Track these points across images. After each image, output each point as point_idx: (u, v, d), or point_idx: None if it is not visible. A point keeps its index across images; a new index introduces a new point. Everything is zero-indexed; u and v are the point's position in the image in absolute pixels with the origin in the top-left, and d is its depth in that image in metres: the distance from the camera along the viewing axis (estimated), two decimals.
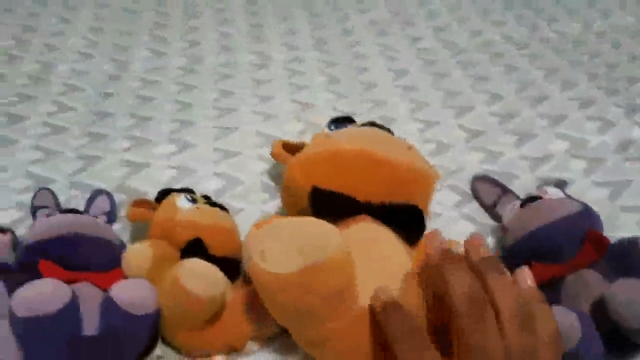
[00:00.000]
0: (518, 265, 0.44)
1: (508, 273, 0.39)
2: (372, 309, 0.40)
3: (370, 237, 0.46)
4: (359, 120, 0.60)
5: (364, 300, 0.40)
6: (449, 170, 0.67)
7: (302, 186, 0.49)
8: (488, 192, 0.62)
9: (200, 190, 0.58)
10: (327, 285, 0.38)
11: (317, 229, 0.40)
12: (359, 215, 0.48)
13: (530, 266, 0.48)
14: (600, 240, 0.48)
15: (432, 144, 0.72)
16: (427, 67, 0.91)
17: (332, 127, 0.56)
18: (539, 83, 0.86)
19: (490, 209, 0.61)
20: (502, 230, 0.56)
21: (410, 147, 0.52)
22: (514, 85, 0.85)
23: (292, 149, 0.58)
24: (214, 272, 0.42)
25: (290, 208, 0.53)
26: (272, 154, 0.60)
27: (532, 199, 0.54)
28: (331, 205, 0.46)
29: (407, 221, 0.48)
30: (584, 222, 0.50)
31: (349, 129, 0.55)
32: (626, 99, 0.81)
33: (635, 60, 0.93)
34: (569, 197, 0.54)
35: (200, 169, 0.66)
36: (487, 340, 0.34)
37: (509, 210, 0.56)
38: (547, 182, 0.60)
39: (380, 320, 0.38)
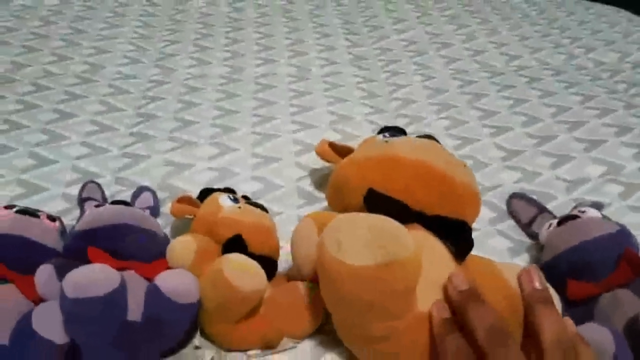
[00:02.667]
0: (554, 283, 0.45)
1: (556, 306, 0.41)
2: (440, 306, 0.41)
3: (425, 245, 0.46)
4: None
5: (420, 304, 0.41)
6: (485, 187, 0.67)
7: (355, 186, 0.49)
8: (525, 210, 0.63)
9: (239, 192, 0.60)
10: (399, 282, 0.39)
11: (394, 227, 0.40)
12: (411, 223, 0.47)
13: (566, 284, 0.49)
14: (636, 260, 0.48)
15: (469, 161, 0.72)
16: (464, 87, 0.92)
17: (386, 135, 0.56)
18: (575, 109, 0.86)
19: (527, 227, 0.61)
20: (539, 248, 0.56)
21: (465, 165, 0.53)
22: (551, 110, 0.86)
23: (337, 149, 0.59)
24: (256, 268, 0.44)
25: (336, 208, 0.54)
26: (317, 151, 0.61)
27: (569, 217, 0.54)
28: (385, 209, 0.46)
29: (456, 236, 0.47)
30: (621, 241, 0.50)
31: (406, 138, 0.55)
32: None
33: None
34: (606, 218, 0.55)
35: (239, 172, 0.68)
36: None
37: (546, 229, 0.56)
38: (583, 203, 0.60)
39: (437, 335, 0.40)
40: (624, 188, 0.68)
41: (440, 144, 0.56)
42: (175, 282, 0.43)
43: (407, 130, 0.78)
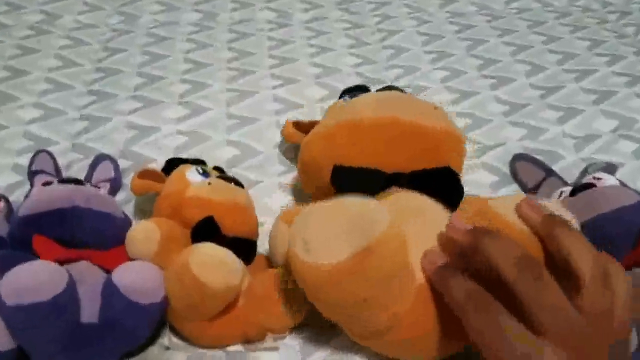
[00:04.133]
0: None
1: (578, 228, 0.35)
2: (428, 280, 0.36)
3: (409, 207, 0.41)
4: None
5: (420, 275, 0.36)
6: (485, 146, 0.61)
7: (321, 164, 0.44)
8: (530, 173, 0.57)
9: (212, 159, 0.53)
10: (384, 265, 0.33)
11: (360, 209, 0.35)
12: (388, 189, 0.43)
13: None
14: None
15: (467, 117, 0.66)
16: (461, 33, 0.84)
17: (347, 98, 0.50)
18: (583, 55, 0.79)
19: (532, 193, 0.55)
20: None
21: (436, 107, 0.47)
22: (556, 57, 0.78)
23: (305, 128, 0.53)
24: (230, 260, 0.37)
25: (309, 188, 0.49)
26: (284, 135, 0.55)
27: (584, 186, 0.49)
28: (356, 183, 0.42)
29: (442, 186, 0.43)
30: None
31: (366, 96, 0.49)
32: None
33: None
34: (623, 184, 0.49)
35: (212, 136, 0.60)
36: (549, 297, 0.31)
37: (557, 197, 0.50)
38: (595, 165, 0.54)
39: (439, 286, 0.35)
40: (637, 145, 0.62)
41: (404, 92, 0.51)
42: (135, 279, 0.37)
43: (400, 83, 0.71)
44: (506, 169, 0.58)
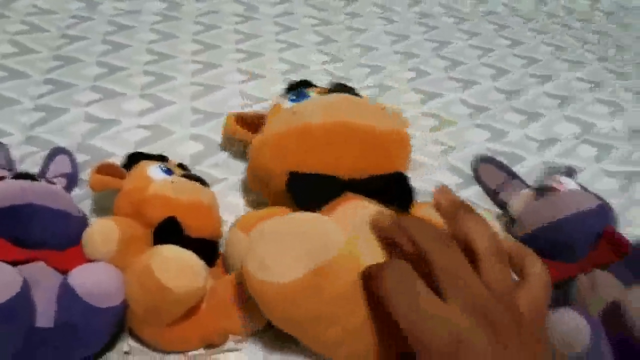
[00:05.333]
0: None
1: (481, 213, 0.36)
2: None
3: (361, 215, 0.41)
4: (357, 86, 0.54)
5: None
6: (450, 148, 0.61)
7: (275, 171, 0.44)
8: (493, 175, 0.57)
9: (175, 154, 0.52)
10: (336, 287, 0.34)
11: (316, 228, 0.35)
12: (344, 195, 0.43)
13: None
14: (617, 240, 0.44)
15: (432, 119, 0.66)
16: (428, 33, 0.84)
17: (293, 98, 0.49)
18: (546, 60, 0.80)
19: (494, 195, 0.56)
20: (509, 220, 0.52)
21: (383, 108, 0.48)
22: (521, 61, 0.79)
23: (247, 121, 0.52)
24: (193, 263, 0.36)
25: (259, 189, 0.48)
26: (226, 131, 0.54)
27: (546, 189, 0.49)
28: (311, 190, 0.42)
29: (394, 191, 0.44)
30: (601, 219, 0.47)
31: (314, 100, 0.48)
32: (636, 83, 0.76)
33: None
34: (584, 189, 0.50)
35: (176, 131, 0.58)
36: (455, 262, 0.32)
37: (519, 199, 0.51)
38: (556, 168, 0.55)
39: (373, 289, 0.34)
40: (597, 150, 0.63)
41: (351, 91, 0.51)
42: (93, 281, 0.35)
43: (366, 82, 0.71)
44: (469, 170, 0.59)
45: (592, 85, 0.75)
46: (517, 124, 0.67)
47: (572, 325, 0.38)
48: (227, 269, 0.43)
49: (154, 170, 0.43)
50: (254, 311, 0.38)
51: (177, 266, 0.35)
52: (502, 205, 0.54)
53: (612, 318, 0.39)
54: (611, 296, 0.40)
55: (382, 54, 0.78)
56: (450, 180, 0.58)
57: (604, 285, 0.42)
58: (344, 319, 0.35)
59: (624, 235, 0.45)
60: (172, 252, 0.36)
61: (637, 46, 0.87)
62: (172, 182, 0.42)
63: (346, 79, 0.71)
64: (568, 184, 0.50)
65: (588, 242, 0.45)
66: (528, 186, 0.54)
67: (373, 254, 0.37)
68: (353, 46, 0.79)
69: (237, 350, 0.40)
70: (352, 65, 0.75)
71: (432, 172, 0.58)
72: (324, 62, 0.74)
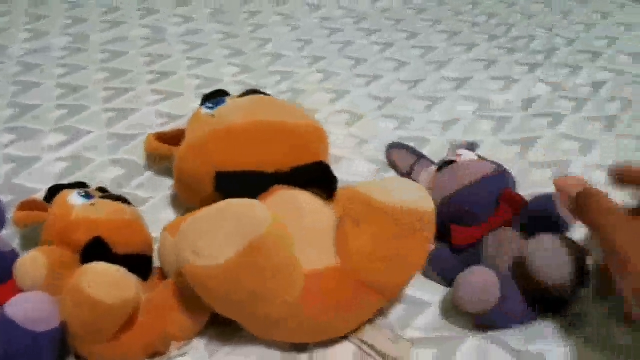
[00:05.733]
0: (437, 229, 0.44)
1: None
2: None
3: (290, 203, 0.44)
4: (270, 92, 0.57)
5: (307, 264, 0.39)
6: (363, 140, 0.65)
7: (202, 174, 0.46)
8: (403, 159, 0.62)
9: (98, 181, 0.53)
10: (268, 262, 0.36)
11: (243, 209, 0.37)
12: (271, 187, 0.45)
13: (450, 230, 0.48)
14: (513, 199, 0.48)
15: (344, 114, 0.70)
16: (332, 36, 0.89)
17: (210, 105, 0.52)
18: (441, 47, 0.86)
19: (407, 177, 0.60)
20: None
21: (298, 106, 0.52)
22: (418, 51, 0.85)
23: (168, 138, 0.54)
24: (120, 274, 0.38)
25: (190, 199, 0.50)
26: (148, 150, 0.56)
27: (447, 163, 0.54)
28: (240, 187, 0.44)
29: (318, 179, 0.47)
30: (498, 183, 0.50)
31: (230, 103, 0.51)
32: (527, 57, 0.83)
33: (531, 18, 0.96)
34: (481, 158, 0.55)
35: (95, 158, 0.60)
36: None
37: (425, 177, 0.55)
38: (458, 145, 0.60)
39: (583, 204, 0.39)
40: (495, 123, 0.69)
41: (265, 94, 0.54)
42: (29, 308, 0.36)
43: (280, 88, 0.74)
44: (384, 158, 0.63)
45: (485, 64, 0.81)
46: (421, 110, 0.71)
47: (482, 281, 0.41)
48: (165, 279, 0.44)
49: (73, 197, 0.44)
50: (194, 312, 0.41)
51: (106, 279, 0.37)
52: None
53: (520, 270, 0.43)
54: (517, 249, 0.44)
55: (290, 60, 0.81)
56: (368, 169, 0.61)
57: (508, 241, 0.46)
58: (283, 292, 0.37)
59: (523, 195, 0.48)
60: (98, 268, 0.37)
61: (524, 22, 0.94)
62: (93, 204, 0.44)
63: (259, 88, 0.74)
64: (466, 155, 0.54)
65: (489, 207, 0.48)
66: (435, 164, 0.58)
67: (303, 232, 0.40)
68: (262, 55, 0.82)
69: (182, 355, 0.41)
70: (263, 74, 0.78)
71: (351, 164, 0.61)
72: (235, 74, 0.77)
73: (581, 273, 0.41)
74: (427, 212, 0.40)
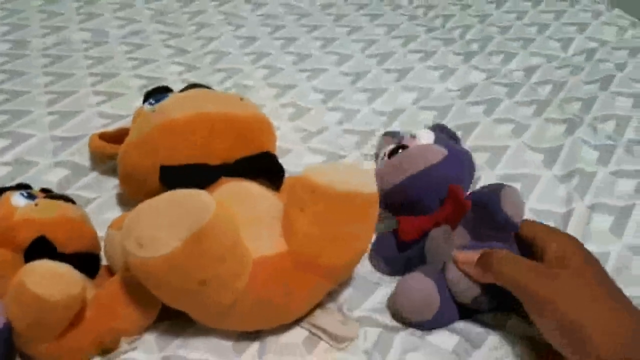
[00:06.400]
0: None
1: None
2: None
3: (237, 194, 0.45)
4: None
5: (255, 251, 0.39)
6: (311, 133, 0.66)
7: (146, 169, 0.46)
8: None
9: (42, 184, 0.52)
10: (214, 249, 0.36)
11: (186, 198, 0.37)
12: (218, 180, 0.46)
13: (399, 221, 0.47)
14: (457, 198, 0.45)
15: (290, 108, 0.71)
16: (275, 33, 0.90)
17: (152, 102, 0.52)
18: (382, 40, 0.88)
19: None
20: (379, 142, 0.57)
21: (242, 98, 0.52)
22: (359, 45, 0.87)
23: (113, 137, 0.54)
24: (65, 271, 0.38)
25: (136, 195, 0.49)
26: (91, 150, 0.56)
27: (398, 148, 0.51)
28: (185, 180, 0.43)
29: (265, 169, 0.47)
30: (447, 169, 0.48)
31: (172, 97, 0.51)
32: (461, 46, 0.86)
33: (467, 9, 0.99)
34: (439, 138, 0.51)
35: (39, 161, 0.59)
36: None
37: (378, 161, 0.53)
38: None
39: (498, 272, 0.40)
40: (436, 112, 0.71)
41: (208, 87, 0.55)
42: None
43: (225, 85, 0.75)
44: (331, 149, 0.64)
45: (423, 55, 0.84)
46: (365, 101, 0.73)
47: (424, 291, 0.42)
48: (112, 276, 0.44)
49: (16, 199, 0.44)
50: (143, 306, 0.41)
51: (49, 276, 0.37)
52: None
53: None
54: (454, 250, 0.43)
55: (234, 58, 0.82)
56: (316, 160, 0.62)
57: (447, 242, 0.44)
58: (232, 278, 0.38)
59: (466, 193, 0.46)
60: (42, 265, 0.38)
61: (462, 13, 0.97)
62: (36, 204, 0.43)
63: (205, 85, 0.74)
64: (421, 137, 0.50)
65: (437, 196, 0.47)
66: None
67: (251, 221, 0.41)
68: (206, 54, 0.82)
69: (132, 349, 0.42)
70: (208, 71, 0.78)
71: (298, 156, 0.63)
72: (180, 73, 0.77)
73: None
74: (369, 195, 0.40)
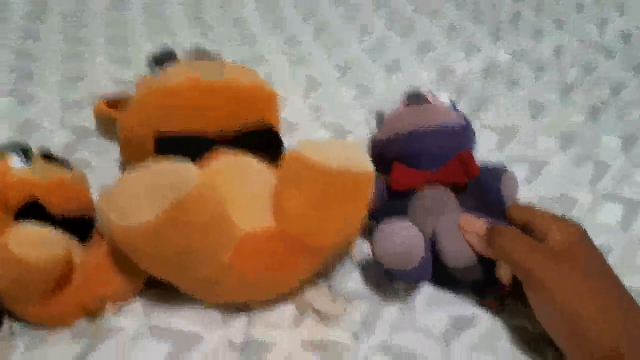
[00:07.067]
0: (383, 162, 0.44)
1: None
2: None
3: (232, 166, 0.44)
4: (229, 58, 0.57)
5: (244, 225, 0.39)
6: (324, 109, 0.65)
7: (143, 137, 0.45)
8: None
9: (48, 146, 0.52)
10: (199, 216, 0.35)
11: (169, 168, 0.36)
12: (214, 150, 0.45)
13: (394, 166, 0.46)
14: (468, 164, 0.44)
15: (305, 81, 0.69)
16: (297, 1, 0.88)
17: (155, 67, 0.51)
18: (407, 14, 0.85)
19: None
20: (377, 118, 0.54)
21: (244, 67, 0.50)
22: (383, 19, 0.84)
23: (117, 104, 0.54)
24: (47, 233, 0.38)
25: (135, 162, 0.49)
26: (95, 115, 0.55)
27: (416, 96, 0.50)
28: (181, 149, 0.43)
29: (265, 143, 0.46)
30: (456, 137, 0.48)
31: (172, 65, 0.50)
32: (490, 25, 0.83)
33: None
34: (454, 107, 0.51)
35: (46, 124, 0.59)
36: None
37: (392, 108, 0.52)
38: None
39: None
40: (454, 92, 0.68)
41: (212, 57, 0.53)
42: None
43: (241, 52, 0.74)
44: (342, 125, 0.62)
45: (449, 30, 0.81)
46: (382, 77, 0.71)
47: (411, 240, 0.40)
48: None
49: (13, 160, 0.44)
50: (129, 273, 0.41)
51: (32, 239, 0.37)
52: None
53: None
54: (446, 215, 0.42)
55: (252, 26, 0.80)
56: (324, 136, 0.61)
57: (441, 204, 0.43)
58: (214, 252, 0.37)
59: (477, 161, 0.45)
60: (26, 228, 0.37)
61: None
62: (31, 167, 0.43)
63: (219, 52, 0.73)
64: (442, 98, 0.50)
65: (443, 158, 0.46)
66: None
67: (245, 195, 0.40)
68: (225, 21, 0.81)
69: (117, 315, 0.41)
70: (224, 38, 0.77)
71: (307, 130, 0.61)
72: (196, 41, 0.76)
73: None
74: (364, 174, 0.39)
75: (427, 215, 0.43)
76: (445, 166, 0.45)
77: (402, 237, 0.39)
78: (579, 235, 0.38)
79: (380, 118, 0.54)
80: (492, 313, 0.42)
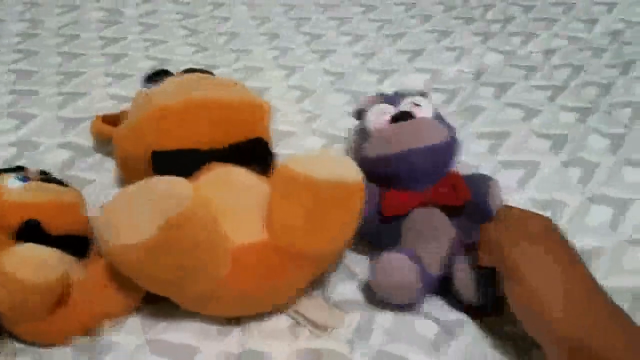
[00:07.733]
0: (372, 179, 0.44)
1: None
2: None
3: (225, 180, 0.45)
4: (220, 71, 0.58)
5: (237, 239, 0.39)
6: (314, 115, 0.66)
7: (139, 154, 0.46)
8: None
9: (45, 165, 0.53)
10: (190, 237, 0.36)
11: (164, 186, 0.37)
12: (208, 164, 0.45)
13: (385, 195, 0.46)
14: (460, 189, 0.45)
15: (298, 90, 0.70)
16: (289, 12, 0.89)
17: (149, 85, 0.52)
18: (398, 19, 0.86)
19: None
20: (356, 115, 0.53)
21: (235, 83, 0.51)
22: (375, 25, 0.85)
23: (114, 120, 0.55)
24: (46, 254, 0.39)
25: (133, 179, 0.50)
26: (93, 133, 0.57)
27: (403, 115, 0.49)
28: (176, 165, 0.44)
29: (255, 155, 0.47)
30: (447, 155, 0.48)
31: (167, 81, 0.52)
32: (480, 26, 0.83)
33: None
34: (437, 116, 0.51)
35: (43, 142, 0.60)
36: None
37: (375, 114, 0.51)
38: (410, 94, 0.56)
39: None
40: (446, 95, 0.69)
41: (205, 72, 0.54)
42: None
43: (234, 66, 0.74)
44: (334, 132, 0.63)
45: (439, 34, 0.81)
46: (374, 82, 0.72)
47: (400, 277, 0.40)
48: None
49: (9, 181, 0.45)
50: (126, 289, 0.41)
51: (28, 260, 0.38)
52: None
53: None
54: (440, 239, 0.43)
55: (247, 38, 0.81)
56: (318, 143, 0.61)
57: (432, 227, 0.44)
58: (209, 268, 0.38)
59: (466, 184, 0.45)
60: (23, 249, 0.38)
61: None
62: (28, 187, 0.44)
63: (214, 67, 0.74)
64: (423, 109, 0.50)
65: (432, 175, 0.46)
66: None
67: (236, 208, 0.41)
68: (219, 34, 0.82)
69: (115, 330, 0.42)
70: (220, 52, 0.78)
71: (301, 138, 0.62)
72: (192, 53, 0.77)
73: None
74: (354, 185, 0.40)
75: (420, 238, 0.44)
76: (436, 186, 0.46)
77: (399, 275, 0.40)
78: (552, 226, 0.40)
79: (359, 114, 0.53)
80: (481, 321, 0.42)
